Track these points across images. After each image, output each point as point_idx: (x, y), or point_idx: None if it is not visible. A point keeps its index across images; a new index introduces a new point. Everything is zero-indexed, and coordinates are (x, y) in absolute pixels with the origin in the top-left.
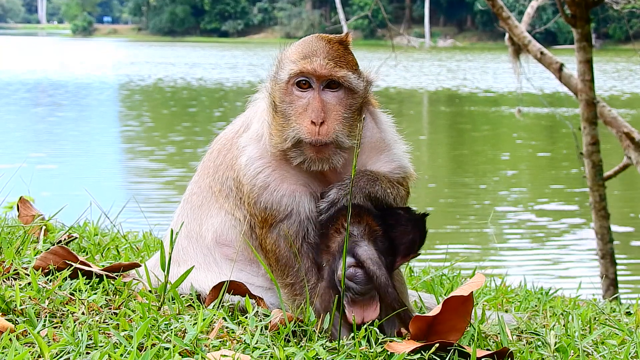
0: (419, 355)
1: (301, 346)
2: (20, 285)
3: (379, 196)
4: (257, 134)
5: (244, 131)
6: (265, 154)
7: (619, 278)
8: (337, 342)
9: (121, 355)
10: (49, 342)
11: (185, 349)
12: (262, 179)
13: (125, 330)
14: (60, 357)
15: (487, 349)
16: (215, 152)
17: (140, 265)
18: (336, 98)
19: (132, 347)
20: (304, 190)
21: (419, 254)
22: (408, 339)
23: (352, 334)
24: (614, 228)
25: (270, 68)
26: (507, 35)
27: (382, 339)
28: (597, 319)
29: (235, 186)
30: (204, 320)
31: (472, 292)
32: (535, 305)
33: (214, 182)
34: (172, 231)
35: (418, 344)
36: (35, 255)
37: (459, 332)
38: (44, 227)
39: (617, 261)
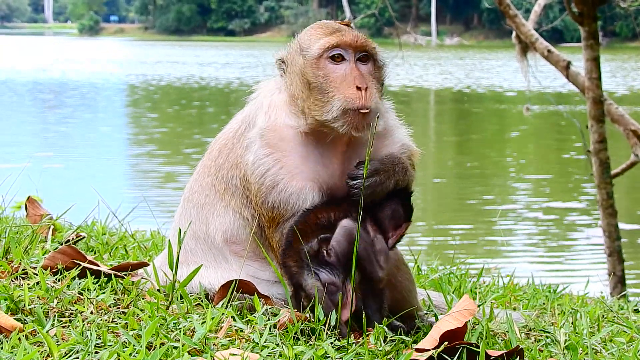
0: (427, 355)
1: (310, 345)
2: (28, 284)
3: (403, 185)
4: (264, 129)
5: (246, 129)
6: (273, 150)
7: (626, 275)
8: (345, 339)
9: (130, 354)
10: (57, 342)
11: (194, 348)
12: (271, 178)
13: (134, 330)
14: (69, 356)
15: (496, 347)
16: (216, 152)
17: (148, 264)
18: (367, 70)
19: (141, 346)
20: (312, 185)
21: (410, 223)
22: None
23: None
24: (622, 226)
25: (289, 54)
26: (514, 34)
27: (391, 337)
28: (605, 316)
29: (241, 185)
30: (212, 319)
31: (465, 322)
32: (543, 303)
33: (217, 181)
34: (179, 230)
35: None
36: (43, 255)
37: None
38: (52, 227)
39: (625, 258)
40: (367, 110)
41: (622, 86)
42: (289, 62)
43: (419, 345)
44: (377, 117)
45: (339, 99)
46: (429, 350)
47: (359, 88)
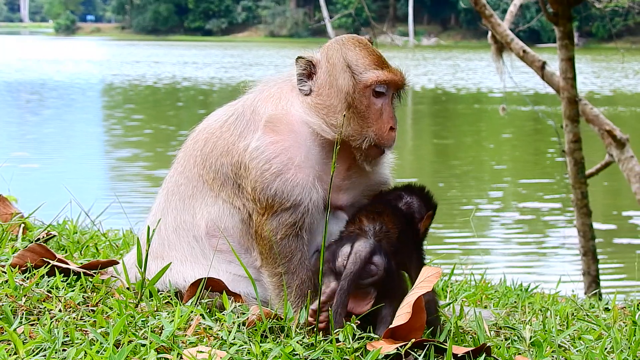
0: (395, 352)
1: (278, 342)
2: None
3: None
4: (273, 117)
5: (238, 118)
6: (282, 139)
7: (601, 275)
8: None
9: (97, 352)
10: (25, 340)
11: (162, 346)
12: (277, 166)
13: (102, 327)
14: (36, 354)
15: (465, 345)
16: (202, 142)
17: (118, 263)
18: (394, 105)
19: (109, 344)
20: (317, 182)
21: (434, 212)
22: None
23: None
24: (597, 225)
25: (329, 64)
26: (489, 34)
27: (360, 334)
28: (575, 314)
29: (233, 172)
30: (181, 317)
31: (416, 315)
32: (515, 302)
33: (205, 170)
34: (148, 228)
35: (398, 343)
36: (13, 253)
37: (421, 330)
38: (22, 225)
39: (600, 258)
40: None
41: (606, 87)
42: (325, 71)
43: (394, 323)
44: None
45: (374, 132)
46: (397, 343)
47: (392, 129)
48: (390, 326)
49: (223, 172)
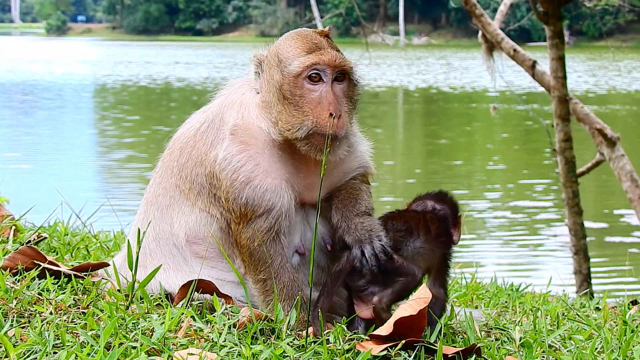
0: (385, 353)
1: (268, 344)
2: None
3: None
4: (236, 126)
5: (209, 126)
6: (247, 147)
7: (592, 274)
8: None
9: (88, 354)
10: (16, 342)
11: (152, 348)
12: (245, 174)
13: (93, 330)
14: (27, 357)
15: (455, 345)
16: (177, 152)
17: (109, 265)
18: (342, 90)
19: (99, 347)
20: (285, 185)
21: (461, 215)
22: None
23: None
24: (588, 224)
25: (268, 60)
26: (480, 33)
27: (350, 336)
28: (565, 314)
29: (207, 182)
30: (171, 319)
31: (423, 310)
32: (506, 302)
33: (181, 181)
34: (139, 230)
35: (388, 344)
36: (3, 256)
37: (420, 332)
38: (13, 227)
39: (591, 257)
40: (332, 138)
41: (598, 85)
42: (266, 68)
43: (375, 332)
44: (341, 142)
45: (311, 121)
46: (383, 337)
47: (332, 115)
48: (394, 318)
49: (199, 182)
